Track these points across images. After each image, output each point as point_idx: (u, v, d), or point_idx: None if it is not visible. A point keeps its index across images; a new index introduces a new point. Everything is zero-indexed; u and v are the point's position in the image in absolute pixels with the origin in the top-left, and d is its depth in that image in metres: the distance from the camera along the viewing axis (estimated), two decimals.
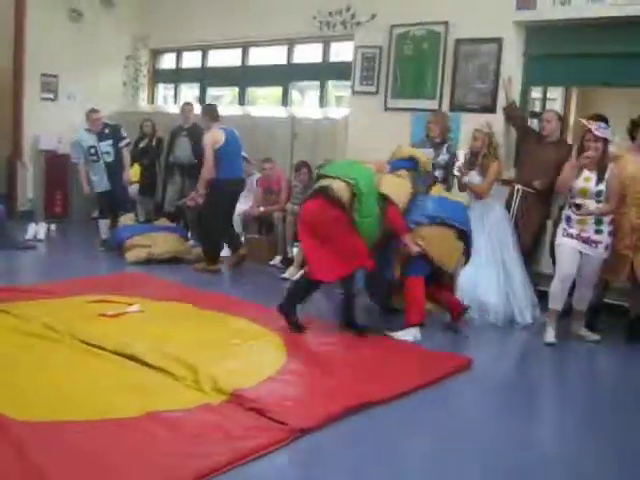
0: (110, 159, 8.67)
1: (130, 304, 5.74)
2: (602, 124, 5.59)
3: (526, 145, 6.93)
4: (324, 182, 5.36)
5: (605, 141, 5.49)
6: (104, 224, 8.70)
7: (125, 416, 3.62)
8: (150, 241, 7.97)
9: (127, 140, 8.97)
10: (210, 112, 7.90)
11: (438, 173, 6.65)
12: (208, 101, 11.09)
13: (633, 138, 6.06)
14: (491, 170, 6.49)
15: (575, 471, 3.50)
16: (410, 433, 3.80)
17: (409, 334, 5.39)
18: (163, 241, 8.03)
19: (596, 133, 5.47)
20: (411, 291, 5.51)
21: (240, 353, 4.77)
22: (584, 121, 5.69)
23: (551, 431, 3.99)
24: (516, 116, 7.14)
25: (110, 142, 8.74)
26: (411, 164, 5.63)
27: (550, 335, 5.60)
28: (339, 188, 5.21)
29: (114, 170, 8.67)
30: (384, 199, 5.27)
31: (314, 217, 5.33)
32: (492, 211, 6.45)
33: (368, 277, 5.79)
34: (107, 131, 8.77)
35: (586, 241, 5.52)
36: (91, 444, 3.30)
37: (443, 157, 6.72)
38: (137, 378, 4.22)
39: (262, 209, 8.41)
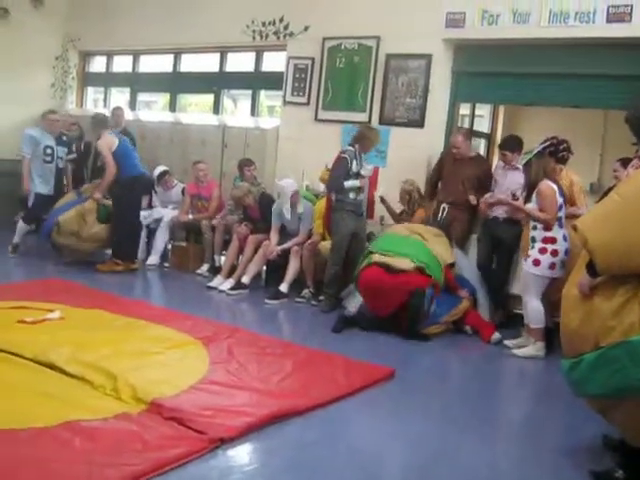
0: (61, 165, 8.65)
1: (50, 311, 5.61)
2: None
3: (446, 166, 7.11)
4: (388, 260, 6.13)
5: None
6: (23, 228, 8.38)
7: (42, 425, 3.53)
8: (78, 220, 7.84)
9: (74, 155, 9.04)
10: (99, 121, 8.08)
11: (362, 182, 6.74)
12: (139, 107, 11.04)
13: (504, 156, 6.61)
14: (416, 215, 7.11)
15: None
16: (329, 444, 3.81)
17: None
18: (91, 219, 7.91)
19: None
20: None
21: (161, 362, 4.71)
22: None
23: (468, 442, 4.05)
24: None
25: (65, 150, 8.79)
26: None
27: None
28: (401, 264, 6.08)
29: (60, 178, 8.59)
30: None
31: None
32: None
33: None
34: (64, 139, 8.82)
35: (525, 255, 5.82)
36: (6, 453, 3.22)
37: (370, 167, 6.86)
38: (55, 386, 4.13)
39: (191, 217, 8.34)
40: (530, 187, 5.79)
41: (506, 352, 5.89)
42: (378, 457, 3.72)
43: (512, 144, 6.60)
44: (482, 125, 9.78)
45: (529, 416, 4.72)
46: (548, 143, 5.96)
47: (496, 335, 6.15)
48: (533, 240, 5.72)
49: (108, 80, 11.58)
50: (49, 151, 8.40)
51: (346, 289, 6.91)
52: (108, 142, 7.80)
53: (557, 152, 6.02)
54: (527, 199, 5.83)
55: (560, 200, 5.71)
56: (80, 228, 7.81)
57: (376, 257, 6.21)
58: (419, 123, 7.57)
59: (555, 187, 5.72)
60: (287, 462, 3.52)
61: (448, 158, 7.12)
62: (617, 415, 3.42)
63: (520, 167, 6.10)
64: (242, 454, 3.57)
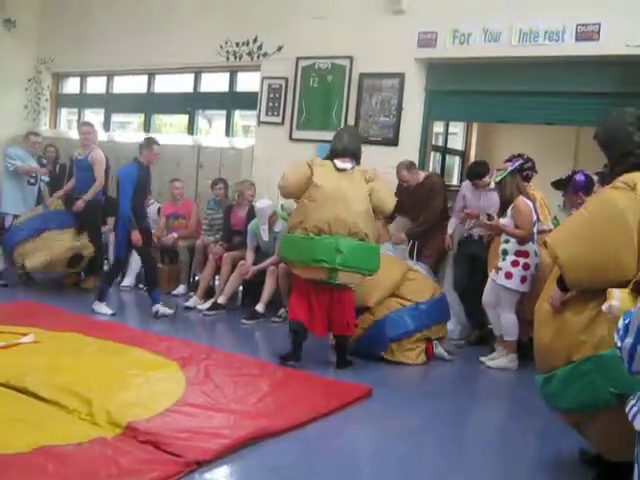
0: (42, 188, 8.62)
1: (24, 334, 5.54)
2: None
3: (403, 194, 6.99)
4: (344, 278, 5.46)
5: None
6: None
7: (15, 451, 3.46)
8: (43, 245, 7.66)
9: (48, 179, 8.89)
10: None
11: None
12: (113, 128, 11.02)
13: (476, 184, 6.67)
14: None
15: None
16: (306, 465, 3.80)
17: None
18: (57, 244, 7.71)
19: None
20: None
21: (137, 384, 4.66)
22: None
23: (446, 459, 4.05)
24: None
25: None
26: None
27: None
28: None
29: (40, 200, 8.52)
30: None
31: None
32: None
33: None
34: (44, 161, 8.84)
35: (495, 267, 5.89)
36: None
37: None
38: (29, 412, 4.07)
39: (175, 235, 8.30)
40: (504, 203, 5.88)
41: (481, 368, 5.94)
42: (356, 477, 3.71)
43: (479, 171, 6.68)
44: (456, 142, 9.89)
45: (506, 432, 4.74)
46: (522, 161, 6.04)
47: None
48: (505, 252, 5.82)
49: (82, 101, 11.54)
50: (33, 173, 8.36)
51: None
52: (103, 159, 7.92)
53: (522, 170, 6.13)
54: (500, 214, 5.92)
55: (534, 216, 5.81)
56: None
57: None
58: (393, 141, 7.62)
59: (531, 204, 5.84)
60: None
61: (403, 187, 7.12)
62: (591, 429, 3.45)
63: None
64: (219, 477, 3.53)
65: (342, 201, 5.42)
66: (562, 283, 3.39)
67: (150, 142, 7.12)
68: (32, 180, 8.33)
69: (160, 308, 7.02)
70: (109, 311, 6.98)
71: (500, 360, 5.93)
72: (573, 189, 5.65)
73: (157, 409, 4.17)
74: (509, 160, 6.19)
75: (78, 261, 7.86)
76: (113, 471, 3.35)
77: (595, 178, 5.87)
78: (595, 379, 3.18)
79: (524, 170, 6.14)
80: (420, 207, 6.94)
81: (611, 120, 3.65)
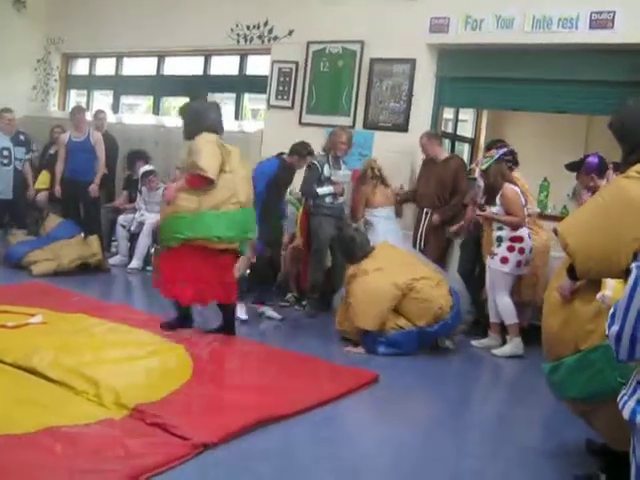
0: (20, 167, 8.45)
1: (32, 315, 5.55)
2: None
3: (422, 170, 7.19)
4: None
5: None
6: None
7: (23, 431, 3.48)
8: (52, 254, 7.66)
9: (36, 153, 8.71)
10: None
11: (337, 188, 6.77)
12: (122, 109, 11.00)
13: None
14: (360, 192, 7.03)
15: None
16: (313, 449, 3.81)
17: None
18: (66, 252, 7.73)
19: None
20: None
21: (144, 367, 4.67)
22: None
23: (452, 446, 4.05)
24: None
25: (24, 150, 8.60)
26: None
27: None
28: None
29: (20, 180, 8.42)
30: None
31: None
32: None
33: None
34: (22, 138, 8.62)
35: (490, 253, 5.94)
36: None
37: (346, 173, 6.88)
38: (37, 392, 4.09)
39: None
40: (489, 191, 5.94)
41: (487, 355, 5.94)
42: (363, 462, 3.72)
43: (489, 148, 6.65)
44: (466, 130, 9.82)
45: (513, 420, 4.73)
46: (506, 150, 6.06)
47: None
48: (500, 239, 5.89)
49: (91, 83, 11.51)
50: (6, 153, 8.18)
51: None
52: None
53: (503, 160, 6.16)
54: (487, 202, 5.97)
55: (523, 200, 5.92)
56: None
57: None
58: (403, 127, 7.60)
59: (517, 189, 5.93)
60: (271, 467, 3.50)
61: (425, 163, 7.19)
62: (598, 419, 3.44)
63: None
64: (226, 460, 3.53)
65: (245, 174, 5.67)
66: (572, 272, 3.38)
67: (305, 151, 6.66)
68: (5, 161, 8.14)
69: (266, 310, 6.67)
70: (276, 316, 6.61)
71: (506, 348, 5.94)
72: (586, 170, 5.63)
73: (164, 391, 4.18)
74: (493, 148, 6.22)
75: (85, 269, 7.81)
76: (120, 453, 3.36)
77: (610, 166, 5.85)
78: (603, 368, 3.17)
79: (505, 160, 6.14)
80: (443, 186, 6.92)
81: (627, 109, 3.61)
